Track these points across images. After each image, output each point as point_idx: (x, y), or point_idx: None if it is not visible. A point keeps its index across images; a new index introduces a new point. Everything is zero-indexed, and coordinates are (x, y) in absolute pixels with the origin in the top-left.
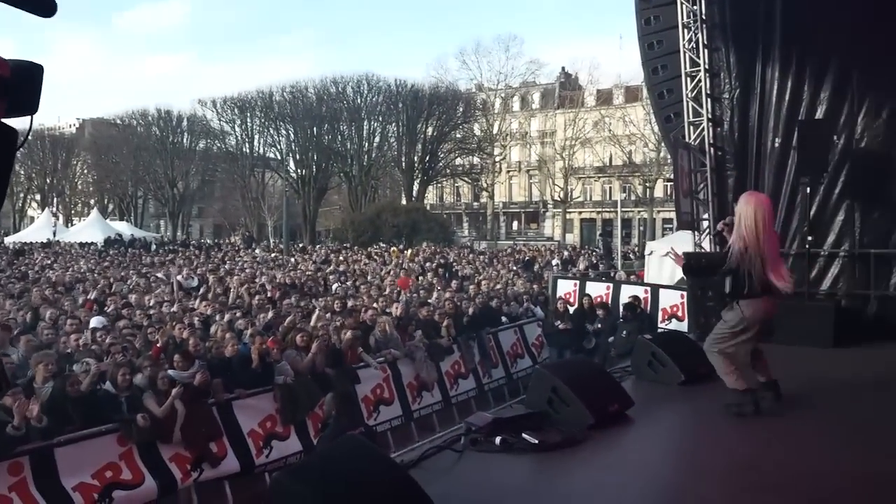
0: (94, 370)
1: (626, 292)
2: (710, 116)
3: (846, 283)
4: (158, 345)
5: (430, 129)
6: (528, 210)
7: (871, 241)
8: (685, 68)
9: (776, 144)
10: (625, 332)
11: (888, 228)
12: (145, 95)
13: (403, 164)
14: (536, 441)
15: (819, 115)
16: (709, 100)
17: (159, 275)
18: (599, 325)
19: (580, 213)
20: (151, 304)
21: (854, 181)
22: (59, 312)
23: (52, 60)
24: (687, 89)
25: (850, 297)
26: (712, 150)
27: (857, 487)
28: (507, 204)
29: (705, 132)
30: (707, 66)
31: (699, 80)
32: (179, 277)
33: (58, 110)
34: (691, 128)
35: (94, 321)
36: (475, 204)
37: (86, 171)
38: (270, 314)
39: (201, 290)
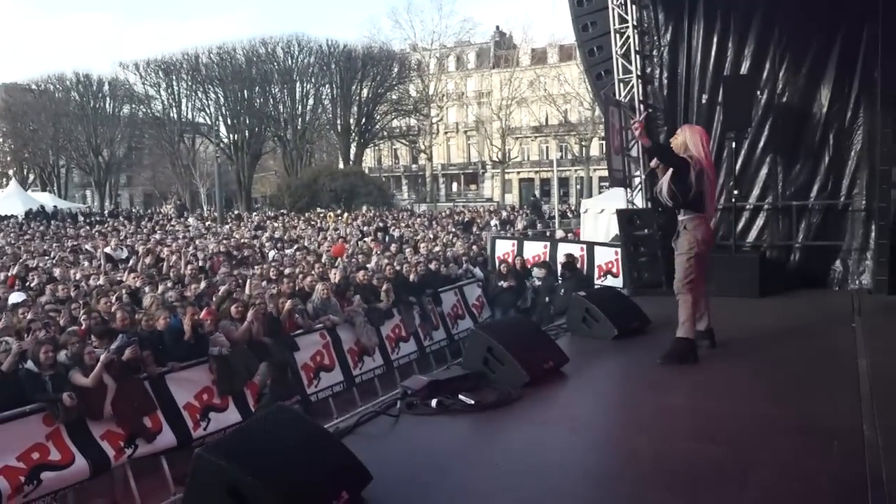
0: (14, 349)
1: (563, 251)
2: (639, 73)
3: (770, 234)
4: (82, 326)
5: (364, 91)
6: (466, 171)
7: (792, 194)
8: (614, 25)
9: (703, 100)
10: (563, 291)
11: (808, 181)
12: (62, 58)
13: (339, 126)
14: (472, 402)
15: (743, 70)
16: (638, 56)
17: (87, 247)
18: (538, 283)
19: (518, 173)
20: (78, 277)
21: (776, 136)
22: None
23: None
24: (616, 46)
25: (773, 249)
26: (642, 106)
27: (783, 432)
28: (446, 166)
29: (635, 89)
30: (636, 23)
31: (628, 37)
32: (108, 249)
33: None
34: (621, 85)
35: (14, 297)
36: (414, 166)
37: (1, 140)
38: (203, 284)
39: (130, 262)
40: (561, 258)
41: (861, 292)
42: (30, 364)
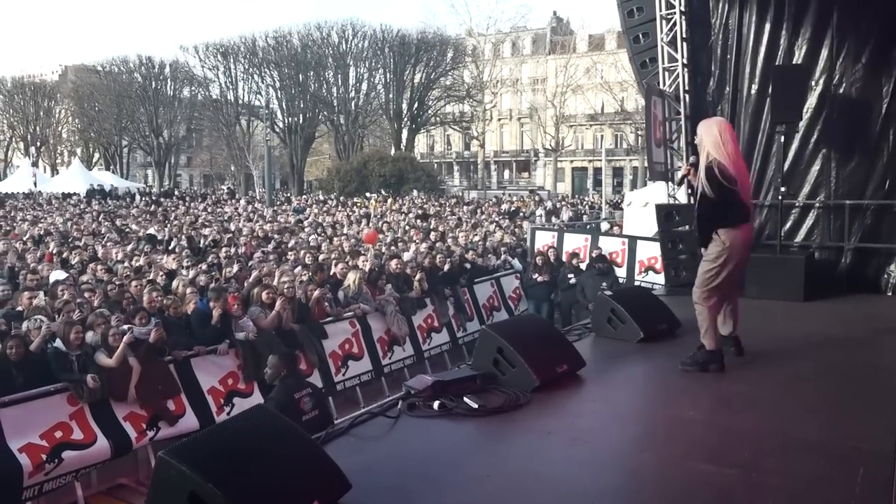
0: (44, 330)
1: (604, 244)
2: (685, 62)
3: (820, 235)
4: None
5: (417, 77)
6: (519, 159)
7: (845, 192)
8: (660, 11)
9: (752, 91)
10: (603, 284)
11: (863, 179)
12: (127, 41)
13: (391, 112)
14: (476, 405)
15: (797, 60)
16: (684, 44)
17: (133, 226)
18: (572, 278)
19: (571, 161)
20: (120, 257)
21: (830, 129)
22: (21, 267)
23: (32, 4)
24: (662, 33)
25: (823, 250)
26: (687, 96)
27: (804, 455)
28: (499, 153)
29: (680, 78)
30: (683, 9)
31: (675, 24)
32: (151, 230)
33: (40, 57)
34: (666, 74)
35: (56, 274)
36: (466, 153)
37: (69, 120)
38: (236, 267)
39: (172, 245)
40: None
41: None
42: (58, 343)
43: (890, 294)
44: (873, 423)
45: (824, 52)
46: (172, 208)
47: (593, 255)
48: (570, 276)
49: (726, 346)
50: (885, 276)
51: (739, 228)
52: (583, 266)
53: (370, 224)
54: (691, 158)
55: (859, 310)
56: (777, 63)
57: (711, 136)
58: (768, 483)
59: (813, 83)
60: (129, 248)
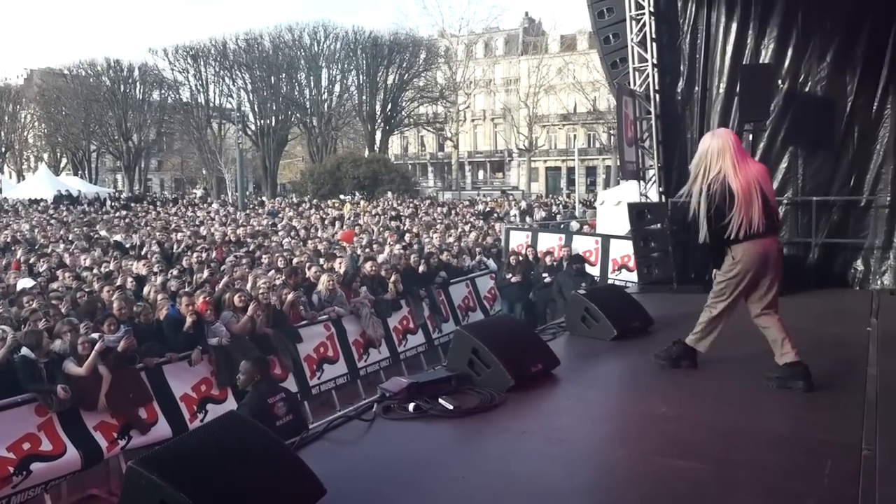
0: (9, 341)
1: (578, 243)
2: (654, 62)
3: (788, 231)
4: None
5: (391, 78)
6: (493, 159)
7: (812, 189)
8: (630, 11)
9: (721, 90)
10: (583, 285)
11: (829, 176)
12: (94, 43)
13: (365, 113)
14: (452, 406)
15: (764, 59)
16: (654, 45)
17: (102, 233)
18: (546, 277)
19: (545, 161)
20: (88, 264)
21: (797, 127)
22: None
23: None
24: (632, 33)
25: (791, 246)
26: (658, 96)
27: (775, 448)
28: (473, 153)
29: (650, 78)
30: (652, 10)
31: (644, 24)
32: (118, 237)
33: (4, 60)
34: (636, 74)
35: (23, 282)
36: (440, 154)
37: (35, 124)
38: (206, 273)
39: (144, 250)
40: (574, 252)
41: (882, 293)
42: (25, 351)
43: (857, 288)
44: (841, 416)
45: (790, 52)
46: (143, 213)
47: (566, 255)
48: (544, 275)
49: (794, 378)
50: (852, 270)
51: (751, 242)
52: (555, 265)
53: (344, 226)
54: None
55: (827, 304)
56: (744, 62)
57: (711, 151)
58: (739, 476)
59: (780, 82)
60: (96, 254)
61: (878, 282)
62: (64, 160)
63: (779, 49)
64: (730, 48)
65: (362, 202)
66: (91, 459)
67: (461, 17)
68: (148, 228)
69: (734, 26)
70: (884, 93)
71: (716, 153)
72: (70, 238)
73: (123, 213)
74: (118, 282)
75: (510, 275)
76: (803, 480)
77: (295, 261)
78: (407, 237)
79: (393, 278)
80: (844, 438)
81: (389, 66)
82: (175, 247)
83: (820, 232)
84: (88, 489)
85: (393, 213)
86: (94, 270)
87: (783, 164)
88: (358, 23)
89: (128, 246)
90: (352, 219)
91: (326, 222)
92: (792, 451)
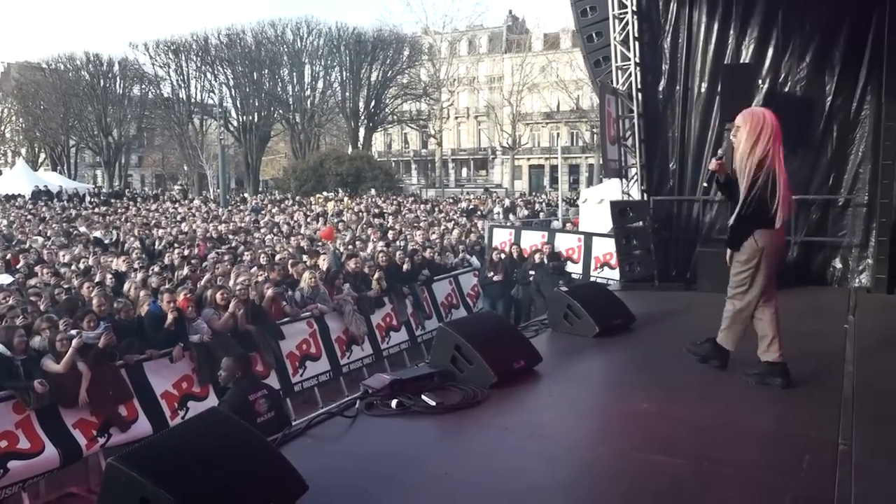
0: None
1: (560, 241)
2: (637, 61)
3: None
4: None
5: (374, 75)
6: (476, 157)
7: (792, 188)
8: (613, 10)
9: (702, 89)
10: (561, 282)
11: (808, 174)
12: (74, 37)
13: (348, 110)
14: (434, 403)
15: (745, 58)
16: (637, 43)
17: (82, 229)
18: (533, 274)
19: (528, 159)
20: (66, 260)
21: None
22: None
23: None
24: (615, 32)
25: None
26: (640, 95)
27: (753, 443)
28: (456, 151)
29: (632, 77)
30: (635, 9)
31: (627, 23)
32: (97, 233)
33: None
34: (619, 72)
35: (0, 278)
36: (424, 151)
37: (13, 119)
38: (186, 269)
39: (125, 247)
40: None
41: (859, 291)
42: (2, 349)
43: (836, 286)
44: (818, 412)
45: (770, 51)
46: (123, 209)
47: (546, 252)
48: (530, 272)
49: (772, 374)
50: (830, 268)
51: (776, 231)
52: (545, 262)
53: (326, 223)
54: (719, 152)
55: (805, 301)
56: (726, 62)
57: (754, 126)
58: (718, 472)
59: (760, 81)
60: (76, 251)
61: (856, 280)
62: (42, 155)
63: (759, 49)
64: (711, 47)
65: (346, 199)
66: (70, 457)
67: (445, 14)
68: (129, 225)
69: (715, 26)
70: (862, 93)
71: (770, 133)
72: (49, 234)
73: (103, 209)
74: (97, 278)
75: (492, 273)
76: (781, 475)
77: (277, 257)
78: (390, 234)
79: (377, 276)
80: (822, 434)
81: (373, 63)
82: (157, 243)
83: (799, 230)
84: (67, 487)
85: (376, 211)
86: (73, 267)
87: None
88: (341, 19)
89: (107, 242)
90: (335, 216)
91: (310, 219)
92: (770, 447)
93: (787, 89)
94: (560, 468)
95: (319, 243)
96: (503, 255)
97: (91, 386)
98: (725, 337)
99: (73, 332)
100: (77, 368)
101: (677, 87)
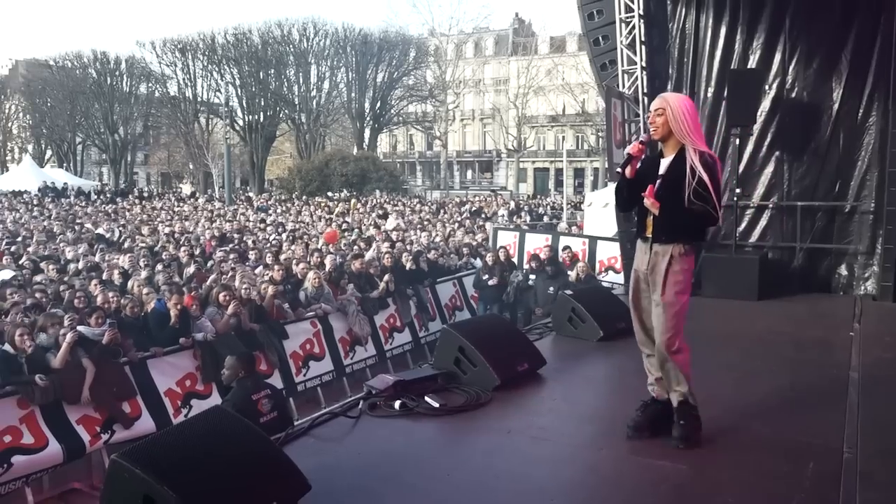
0: None
1: (565, 244)
2: (643, 65)
3: (773, 235)
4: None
5: (380, 76)
6: (481, 159)
7: (798, 194)
8: (620, 14)
9: (709, 95)
10: (550, 289)
11: (814, 181)
12: (81, 35)
13: (353, 111)
14: (437, 405)
15: (752, 64)
16: (643, 48)
17: (87, 226)
18: (533, 277)
19: (533, 162)
20: (70, 257)
21: (784, 133)
22: None
23: None
24: (621, 36)
25: (776, 250)
26: (646, 99)
27: (757, 450)
28: (461, 153)
29: (639, 81)
30: (642, 13)
31: (634, 27)
32: (101, 230)
33: None
34: (625, 76)
35: (3, 274)
36: (429, 153)
37: (20, 115)
38: (192, 268)
39: (127, 244)
40: (562, 252)
41: (865, 298)
42: (6, 346)
43: (841, 293)
44: (822, 419)
45: (777, 57)
46: (129, 207)
47: (542, 256)
48: (531, 276)
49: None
50: (836, 276)
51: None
52: (547, 266)
53: (341, 224)
54: (642, 136)
55: (810, 309)
56: (732, 67)
57: (693, 116)
58: (721, 478)
59: (767, 87)
60: (80, 248)
61: (862, 287)
62: (49, 152)
63: (766, 54)
64: (718, 52)
65: (352, 200)
66: (73, 453)
67: (451, 16)
68: (137, 222)
69: (723, 31)
70: (869, 100)
71: (696, 121)
72: (55, 231)
73: (110, 206)
74: (104, 275)
75: (487, 276)
76: (785, 482)
77: (283, 257)
78: (394, 235)
79: (386, 277)
80: (826, 441)
81: (379, 64)
82: (162, 241)
83: (804, 237)
84: (70, 483)
85: (380, 212)
86: (79, 264)
87: (769, 169)
88: (348, 20)
89: (113, 240)
90: (339, 216)
91: (324, 219)
92: (774, 454)
93: (793, 95)
94: (563, 471)
95: (326, 247)
96: (497, 258)
97: (94, 382)
98: (691, 392)
99: (80, 328)
100: (81, 365)
101: (684, 92)
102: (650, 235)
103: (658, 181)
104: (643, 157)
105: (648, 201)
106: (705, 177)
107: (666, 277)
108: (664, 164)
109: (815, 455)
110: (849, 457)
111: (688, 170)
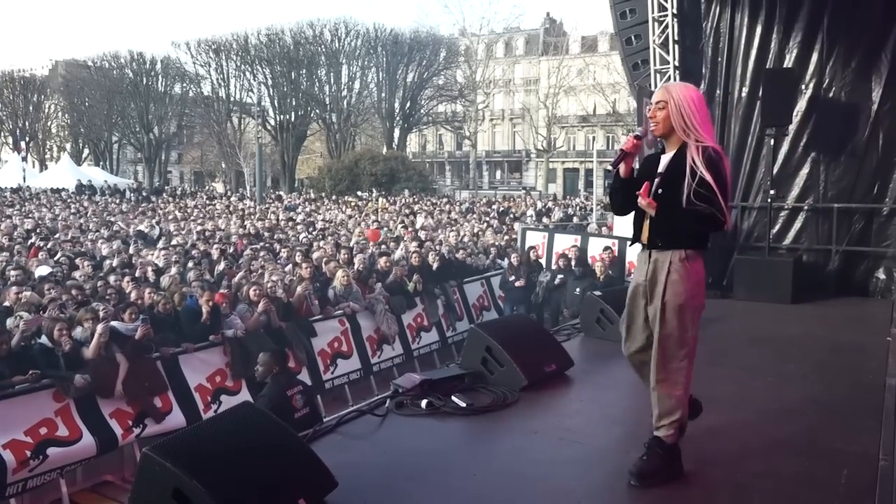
0: (22, 326)
1: (594, 245)
2: (676, 64)
3: (808, 237)
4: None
5: (410, 76)
6: (511, 159)
7: (834, 196)
8: (653, 13)
9: (743, 94)
10: (577, 290)
11: (852, 182)
12: (119, 36)
13: (384, 111)
14: (464, 404)
15: (788, 63)
16: (676, 47)
17: (121, 223)
18: (561, 277)
19: (563, 162)
20: (105, 253)
21: (820, 133)
22: (5, 262)
23: None
24: (654, 35)
25: (811, 253)
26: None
27: (790, 457)
28: (490, 153)
29: (672, 80)
30: (675, 11)
31: (667, 26)
32: (142, 227)
33: (30, 51)
34: (658, 76)
35: (41, 270)
36: (458, 153)
37: (58, 114)
38: (223, 265)
39: (161, 241)
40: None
41: None
42: (44, 339)
43: (879, 297)
44: (857, 425)
45: (815, 56)
46: (163, 205)
47: (570, 257)
48: (560, 276)
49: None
50: (874, 279)
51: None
52: (575, 267)
53: (371, 223)
54: (637, 130)
55: (846, 313)
56: (768, 66)
57: (700, 108)
58: (753, 484)
59: (803, 87)
60: (115, 245)
61: None
62: (86, 150)
63: (803, 53)
64: (753, 51)
65: (381, 199)
66: (106, 446)
67: (482, 16)
68: (170, 219)
69: (758, 29)
70: None
71: (704, 114)
72: (91, 227)
73: (144, 204)
74: (137, 272)
75: (513, 277)
76: (818, 490)
77: (315, 255)
78: (423, 234)
79: (415, 278)
80: (861, 448)
81: (409, 64)
82: (194, 238)
83: (841, 239)
84: (103, 475)
85: (408, 211)
86: (115, 261)
87: (805, 170)
88: (379, 20)
89: (148, 236)
90: (373, 214)
91: (353, 218)
92: (808, 460)
93: (831, 95)
94: (590, 473)
95: (363, 242)
96: (523, 259)
97: (127, 377)
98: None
99: (115, 323)
100: (115, 359)
101: (717, 92)
102: (646, 241)
103: (656, 179)
104: (646, 154)
105: (643, 201)
106: (707, 175)
107: (665, 288)
108: (664, 160)
109: (849, 462)
110: (885, 464)
111: (687, 168)
